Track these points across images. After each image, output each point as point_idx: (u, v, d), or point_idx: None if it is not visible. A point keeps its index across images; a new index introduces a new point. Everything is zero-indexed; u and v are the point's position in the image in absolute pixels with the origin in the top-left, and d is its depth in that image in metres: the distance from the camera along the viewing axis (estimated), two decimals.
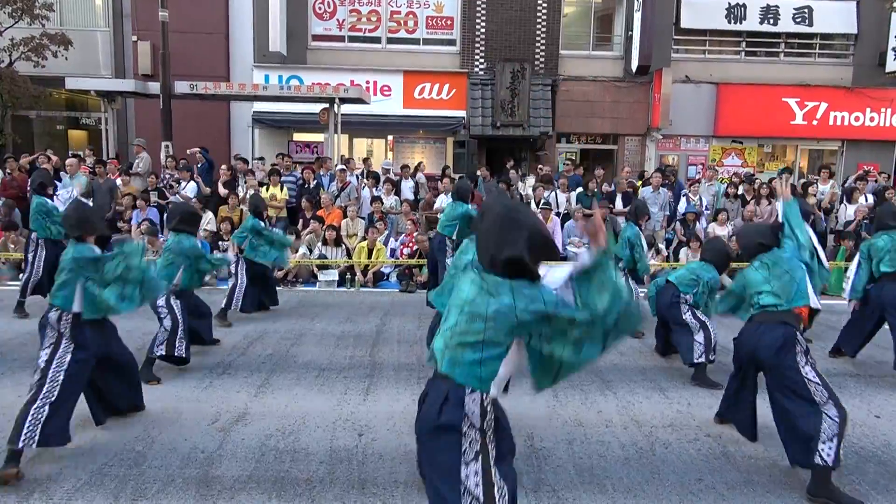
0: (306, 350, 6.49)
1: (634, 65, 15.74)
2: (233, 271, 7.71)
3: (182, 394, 5.15)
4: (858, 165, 15.37)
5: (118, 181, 11.71)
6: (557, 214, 11.30)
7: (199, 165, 12.42)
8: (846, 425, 3.67)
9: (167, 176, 11.95)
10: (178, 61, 14.00)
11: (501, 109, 15.40)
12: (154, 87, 13.24)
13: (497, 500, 2.34)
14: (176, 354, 5.49)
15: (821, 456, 3.60)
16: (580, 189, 12.00)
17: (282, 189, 11.46)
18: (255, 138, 15.98)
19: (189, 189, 11.48)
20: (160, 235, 9.74)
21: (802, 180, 13.87)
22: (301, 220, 11.17)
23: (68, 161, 11.43)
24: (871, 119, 16.46)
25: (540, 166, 14.21)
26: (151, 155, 13.08)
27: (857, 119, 16.49)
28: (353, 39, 16.19)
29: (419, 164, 13.89)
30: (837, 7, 16.33)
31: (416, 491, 3.67)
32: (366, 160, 13.77)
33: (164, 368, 5.62)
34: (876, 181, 12.85)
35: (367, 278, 10.11)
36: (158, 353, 5.44)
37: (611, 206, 11.53)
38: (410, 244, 10.50)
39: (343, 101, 13.34)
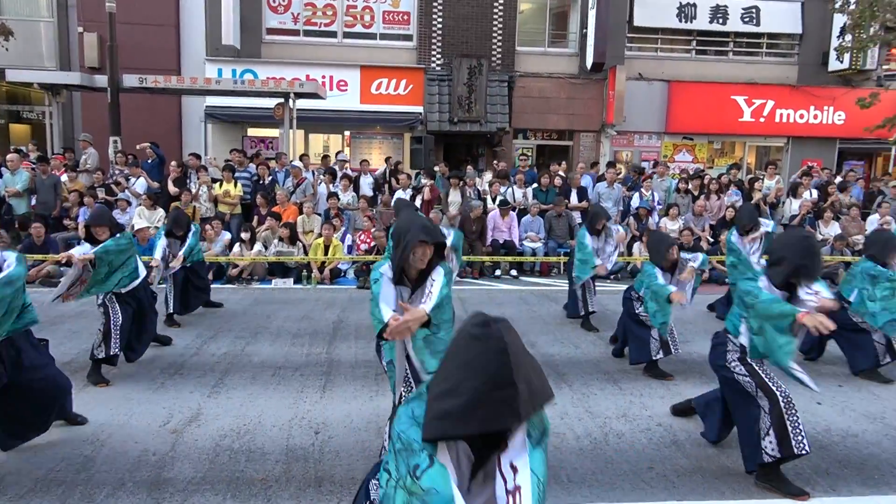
0: (262, 348, 6.41)
1: (589, 62, 15.96)
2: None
3: (132, 396, 5.03)
4: (803, 161, 15.92)
5: (64, 177, 11.34)
6: (514, 209, 11.40)
7: (149, 161, 12.13)
8: (784, 411, 3.69)
9: (116, 172, 11.63)
10: (126, 54, 13.61)
11: (458, 105, 15.43)
12: (101, 80, 12.84)
13: None
14: (111, 353, 5.27)
15: (766, 453, 3.70)
16: (535, 185, 12.13)
17: (236, 185, 11.27)
18: (207, 134, 15.65)
19: (139, 185, 11.20)
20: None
21: (750, 176, 14.30)
22: (256, 217, 11.00)
23: (9, 156, 11.04)
24: (815, 117, 17.05)
25: (496, 162, 14.31)
26: (99, 150, 12.72)
27: (801, 116, 17.06)
28: (308, 34, 15.99)
29: (388, 159, 13.86)
30: (783, 8, 16.85)
31: None
32: (325, 157, 13.63)
33: (115, 371, 5.48)
34: (818, 176, 13.33)
35: (323, 275, 10.02)
36: (99, 356, 5.27)
37: (566, 201, 11.70)
38: (368, 240, 10.46)
39: (298, 95, 13.18)
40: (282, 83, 12.95)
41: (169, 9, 15.89)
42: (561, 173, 12.47)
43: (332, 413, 4.76)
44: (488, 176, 12.99)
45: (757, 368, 3.84)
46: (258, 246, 10.10)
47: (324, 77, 15.38)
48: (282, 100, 13.19)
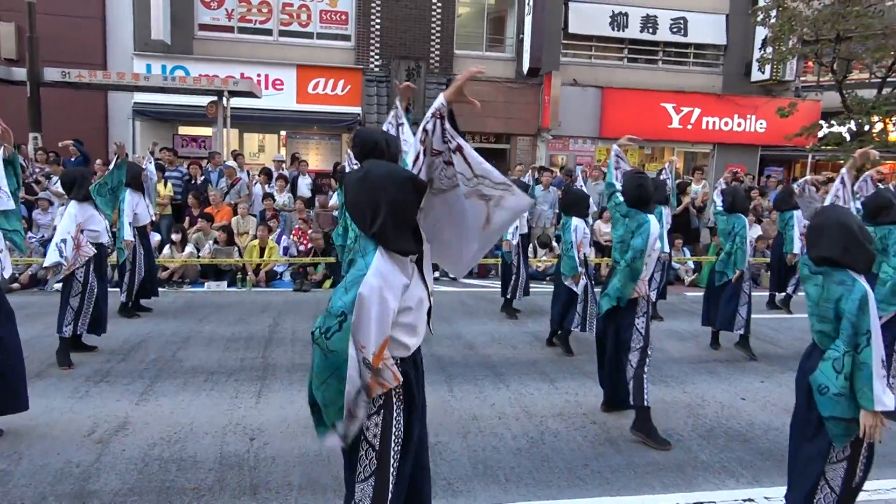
0: (194, 354, 6.22)
1: (525, 67, 16.22)
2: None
3: (54, 405, 4.79)
4: (727, 167, 16.62)
5: None
6: None
7: (72, 159, 11.59)
8: (642, 367, 4.44)
9: (36, 170, 11.04)
10: (48, 46, 12.95)
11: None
12: (20, 73, 12.18)
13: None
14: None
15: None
16: None
17: (166, 185, 10.90)
18: (136, 131, 15.08)
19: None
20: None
21: (678, 180, 14.84)
22: (188, 218, 10.67)
23: None
24: (739, 125, 17.86)
25: None
26: None
27: (726, 124, 17.84)
28: (242, 31, 15.63)
29: (293, 155, 13.66)
30: (709, 19, 17.58)
31: (311, 494, 3.62)
32: (296, 159, 13.38)
33: (33, 377, 5.20)
34: (742, 182, 13.95)
35: (258, 278, 9.82)
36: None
37: None
38: (305, 242, 10.31)
39: (232, 94, 12.87)
40: (215, 81, 12.62)
41: (94, 0, 15.23)
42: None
43: (268, 418, 4.66)
44: None
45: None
46: (190, 247, 9.80)
47: (259, 75, 15.08)
48: (215, 98, 12.84)
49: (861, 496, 3.84)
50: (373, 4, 15.78)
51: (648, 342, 4.53)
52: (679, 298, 9.74)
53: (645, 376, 4.45)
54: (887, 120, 14.66)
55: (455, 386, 5.42)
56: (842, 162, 15.68)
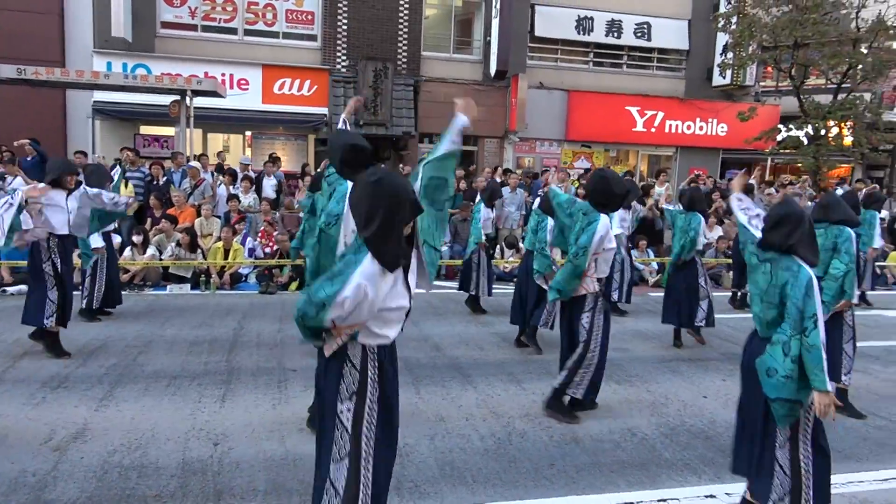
0: (156, 358, 6.09)
1: (493, 69, 16.30)
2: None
3: (8, 411, 4.64)
4: (690, 170, 16.94)
5: None
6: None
7: (29, 159, 11.25)
8: (580, 363, 4.69)
9: None
10: (3, 42, 12.66)
11: (364, 108, 15.33)
12: None
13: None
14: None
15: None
16: None
17: (127, 185, 10.66)
18: (95, 130, 14.72)
19: (16, 185, 10.36)
20: None
21: (642, 183, 15.07)
22: (150, 220, 10.46)
23: None
24: (701, 128, 18.23)
25: (402, 165, 14.33)
26: None
27: (689, 128, 18.19)
28: (206, 29, 15.39)
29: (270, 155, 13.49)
30: (672, 25, 17.90)
31: (276, 499, 3.57)
32: (219, 153, 13.15)
33: None
34: (704, 184, 14.22)
35: (223, 280, 9.66)
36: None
37: (470, 203, 11.87)
38: (270, 244, 10.18)
39: (196, 93, 12.63)
40: (177, 80, 12.38)
41: None
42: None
43: (233, 423, 4.59)
44: None
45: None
46: (151, 250, 9.61)
47: (223, 75, 14.87)
48: (178, 97, 12.60)
49: None
50: (339, 5, 15.70)
51: (590, 339, 4.68)
52: (643, 299, 9.88)
53: (582, 371, 4.70)
54: (842, 124, 15.13)
55: (422, 388, 5.42)
56: (799, 165, 16.15)
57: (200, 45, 15.21)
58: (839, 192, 11.12)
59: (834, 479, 4.06)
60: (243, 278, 10.09)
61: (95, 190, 6.45)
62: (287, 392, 5.24)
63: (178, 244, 9.67)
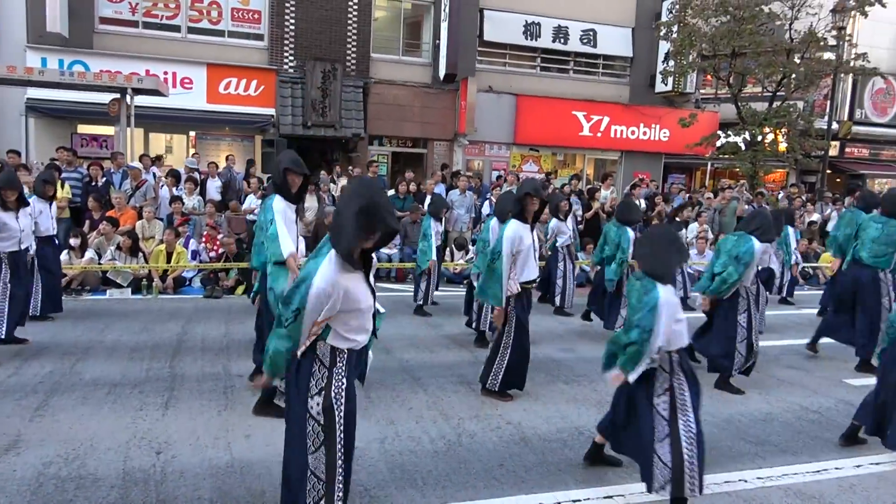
0: (94, 365, 5.87)
1: (442, 72, 16.37)
2: None
3: None
4: (634, 174, 17.38)
5: None
6: None
7: None
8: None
9: None
10: None
11: (312, 109, 15.17)
12: None
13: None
14: None
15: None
16: (392, 191, 12.21)
17: (63, 186, 10.26)
18: (29, 129, 14.11)
19: None
20: None
21: (589, 186, 15.37)
22: (88, 222, 10.08)
23: None
24: (644, 133, 18.72)
25: (351, 168, 14.23)
26: None
27: (633, 133, 18.65)
28: (148, 26, 14.96)
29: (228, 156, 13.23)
30: (616, 32, 18.33)
31: None
32: (158, 158, 12.76)
33: None
34: (647, 187, 14.61)
35: (166, 284, 9.39)
36: None
37: (420, 206, 11.88)
38: (215, 247, 9.96)
39: (137, 91, 12.24)
40: (117, 77, 11.96)
41: None
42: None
43: (176, 431, 4.47)
44: (343, 182, 12.87)
45: None
46: (90, 253, 9.26)
47: (166, 73, 14.48)
48: (118, 95, 12.19)
49: (755, 483, 4.12)
50: (287, 4, 15.49)
51: (511, 339, 5.24)
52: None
53: (499, 363, 5.28)
54: (777, 131, 15.77)
55: (372, 391, 5.39)
56: (738, 169, 16.75)
57: (141, 42, 14.77)
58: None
59: (770, 472, 4.25)
60: (187, 282, 9.83)
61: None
62: (233, 398, 5.13)
63: (119, 247, 9.35)
